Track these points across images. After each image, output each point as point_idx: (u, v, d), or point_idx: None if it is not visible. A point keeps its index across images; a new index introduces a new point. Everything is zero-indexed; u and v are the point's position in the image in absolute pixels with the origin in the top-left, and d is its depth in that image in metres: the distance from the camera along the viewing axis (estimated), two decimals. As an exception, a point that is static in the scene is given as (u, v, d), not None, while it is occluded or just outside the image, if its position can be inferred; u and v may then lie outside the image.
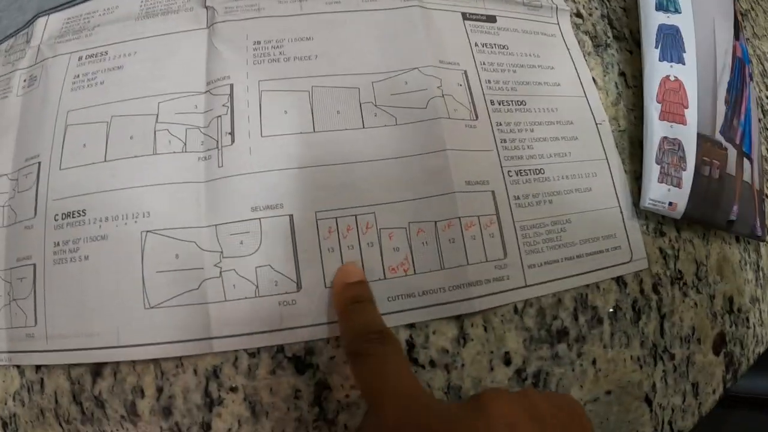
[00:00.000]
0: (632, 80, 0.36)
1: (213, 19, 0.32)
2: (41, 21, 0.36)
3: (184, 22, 0.32)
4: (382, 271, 0.27)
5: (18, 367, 0.29)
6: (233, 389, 0.27)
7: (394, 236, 0.27)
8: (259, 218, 0.27)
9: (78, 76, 0.32)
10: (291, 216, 0.27)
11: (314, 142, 0.28)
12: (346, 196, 0.27)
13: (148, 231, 0.27)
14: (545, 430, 0.19)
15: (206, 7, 0.32)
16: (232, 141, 0.28)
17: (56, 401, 0.28)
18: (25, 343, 0.28)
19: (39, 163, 0.30)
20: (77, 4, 0.37)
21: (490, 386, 0.28)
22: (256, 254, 0.27)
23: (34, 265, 0.28)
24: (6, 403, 0.30)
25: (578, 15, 0.37)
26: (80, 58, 0.33)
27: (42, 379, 0.29)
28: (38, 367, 0.29)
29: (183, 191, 0.28)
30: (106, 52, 0.32)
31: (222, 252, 0.27)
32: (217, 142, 0.28)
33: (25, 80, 0.34)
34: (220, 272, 0.26)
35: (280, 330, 0.26)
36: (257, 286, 0.26)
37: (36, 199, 0.29)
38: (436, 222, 0.28)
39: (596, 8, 0.38)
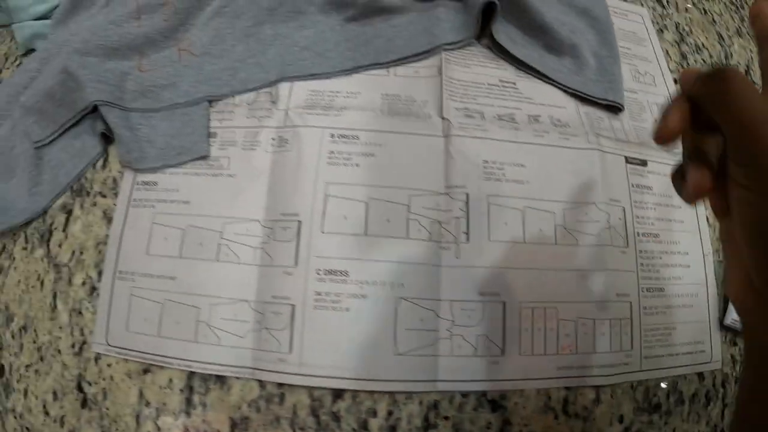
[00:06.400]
0: (725, 219, 0.48)
1: (449, 131, 0.41)
2: (285, 86, 0.44)
3: (424, 126, 0.42)
4: (556, 348, 0.38)
5: (259, 381, 0.36)
6: (446, 418, 0.38)
7: (567, 325, 0.39)
8: (482, 301, 0.38)
9: (333, 152, 0.40)
10: (504, 303, 0.38)
11: (525, 251, 0.39)
12: (540, 293, 0.39)
13: (402, 298, 0.37)
14: None
15: (442, 118, 0.42)
16: (467, 240, 0.39)
17: (294, 413, 0.35)
18: (275, 364, 0.35)
19: (299, 222, 0.38)
20: (319, 77, 0.45)
21: None
22: (478, 326, 0.37)
23: (293, 306, 0.36)
24: (240, 408, 0.35)
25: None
26: (332, 135, 0.41)
27: (283, 394, 0.35)
28: (279, 384, 0.35)
29: (429, 272, 0.38)
30: (358, 137, 0.41)
31: (453, 321, 0.37)
32: (455, 238, 0.39)
33: (273, 139, 0.41)
34: (451, 335, 0.37)
35: (487, 380, 0.37)
36: (476, 348, 0.37)
37: (296, 252, 0.37)
38: (594, 320, 0.39)
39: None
